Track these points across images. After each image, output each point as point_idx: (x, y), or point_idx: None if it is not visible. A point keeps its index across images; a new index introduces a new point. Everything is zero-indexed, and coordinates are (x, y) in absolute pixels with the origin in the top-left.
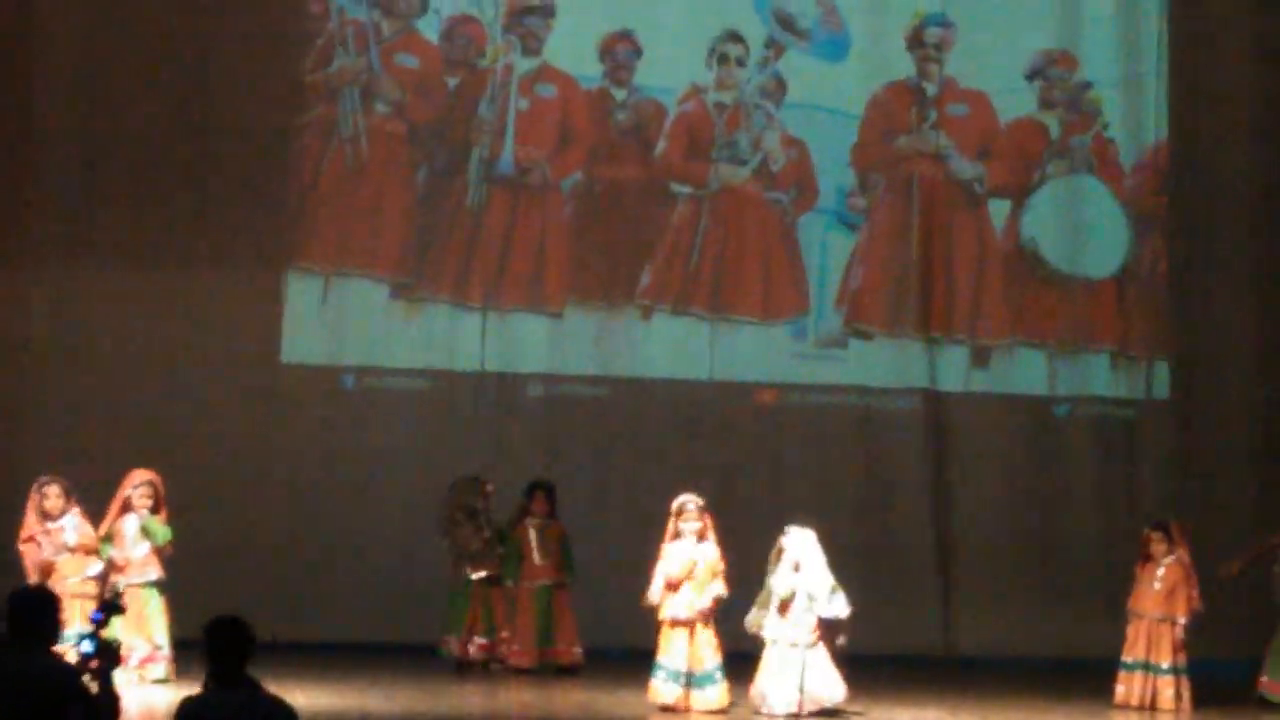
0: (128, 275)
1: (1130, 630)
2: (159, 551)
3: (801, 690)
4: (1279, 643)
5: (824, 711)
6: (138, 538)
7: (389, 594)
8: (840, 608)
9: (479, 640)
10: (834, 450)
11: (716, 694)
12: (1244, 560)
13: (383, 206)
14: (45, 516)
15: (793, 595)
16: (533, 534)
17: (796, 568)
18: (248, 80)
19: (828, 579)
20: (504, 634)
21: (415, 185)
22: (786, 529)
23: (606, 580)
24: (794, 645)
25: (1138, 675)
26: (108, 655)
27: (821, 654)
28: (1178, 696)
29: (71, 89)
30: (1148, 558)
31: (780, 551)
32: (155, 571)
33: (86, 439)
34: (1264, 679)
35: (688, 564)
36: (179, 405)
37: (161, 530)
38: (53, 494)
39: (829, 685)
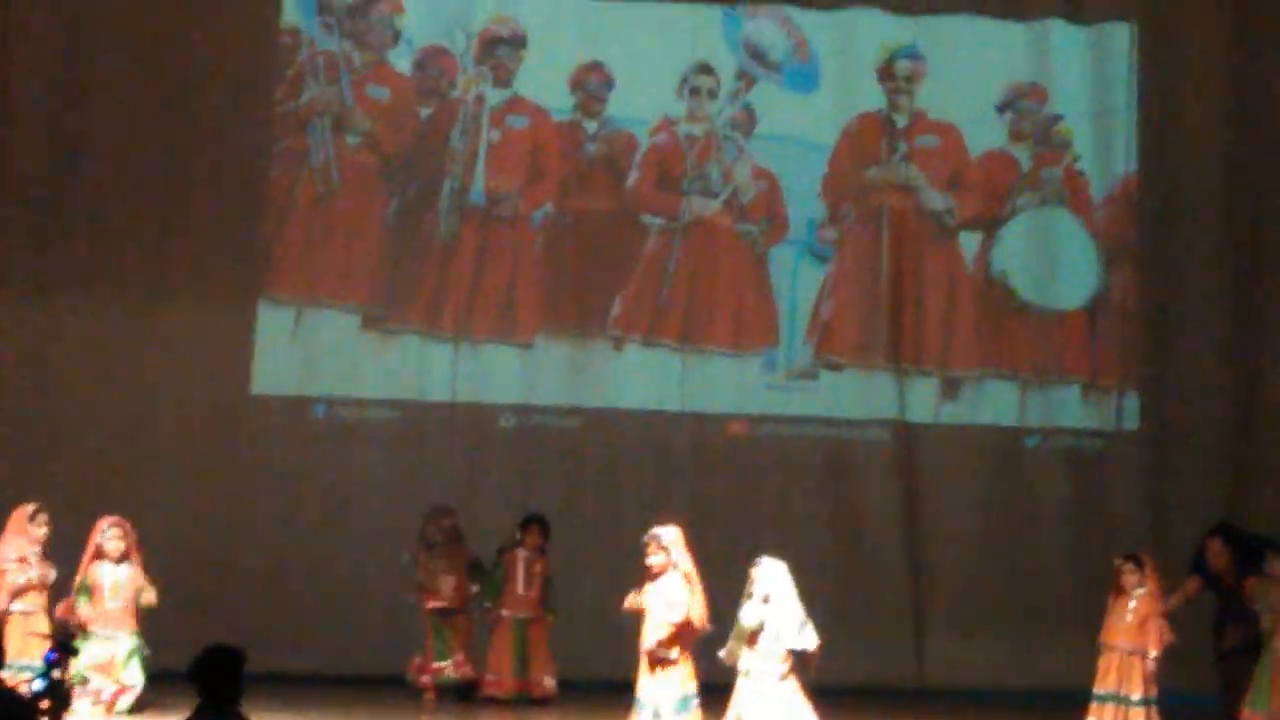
0: (96, 305)
1: (1102, 662)
2: (138, 608)
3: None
4: (1263, 672)
5: None
6: (114, 591)
7: (359, 625)
8: (809, 640)
9: (435, 664)
10: (805, 481)
11: None
12: (1180, 596)
13: (354, 237)
14: (35, 544)
15: (760, 627)
16: (521, 564)
17: (766, 600)
18: (218, 110)
19: (798, 612)
20: (460, 658)
21: (386, 216)
22: (757, 560)
23: (578, 611)
24: (767, 676)
25: (1109, 707)
26: (59, 697)
27: (792, 685)
28: None
29: (41, 117)
30: (1119, 590)
31: (751, 583)
32: (130, 624)
33: (55, 470)
34: (1245, 711)
35: (638, 601)
36: (147, 435)
37: (152, 592)
38: (43, 522)
39: (801, 717)
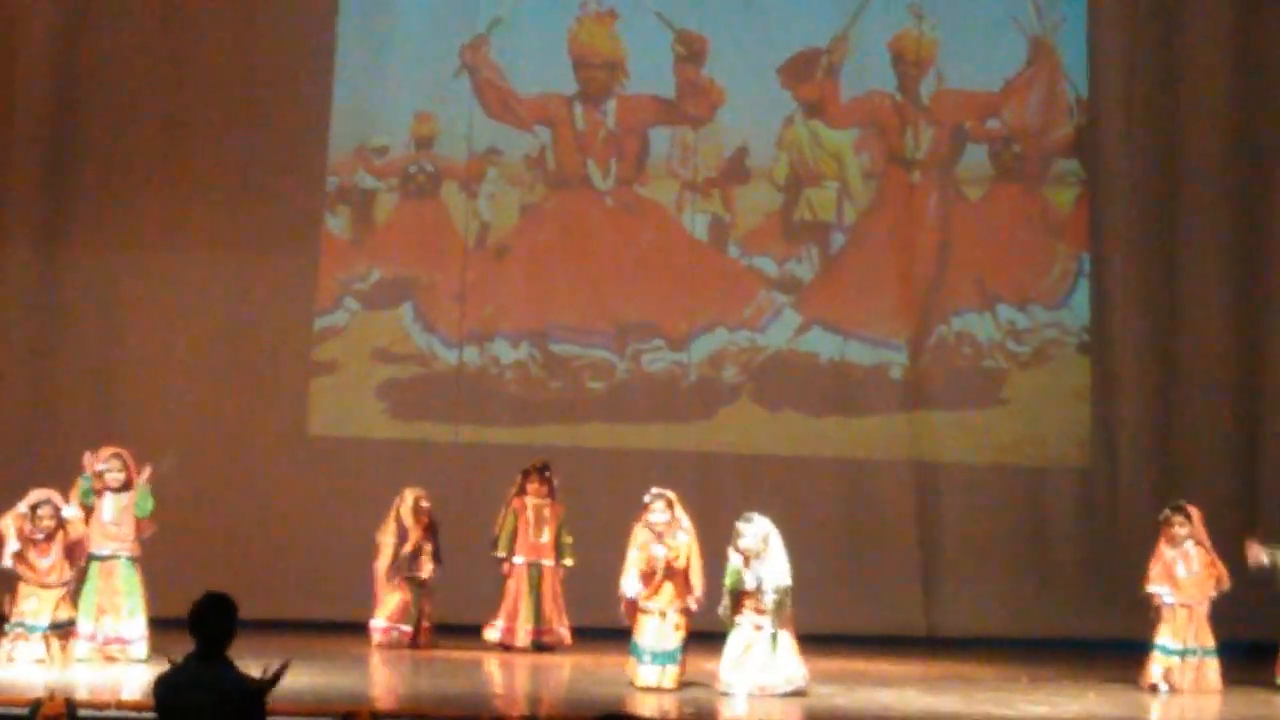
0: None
1: (1165, 615)
2: (139, 525)
3: (766, 671)
4: None
5: (792, 693)
6: (118, 515)
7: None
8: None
9: (403, 628)
10: (814, 426)
11: (673, 673)
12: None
13: None
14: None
15: (740, 581)
16: (530, 511)
17: (748, 559)
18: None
19: (782, 573)
20: (425, 624)
21: None
22: (747, 515)
23: (589, 559)
24: (758, 629)
25: (1177, 660)
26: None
27: (786, 639)
28: (1205, 677)
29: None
30: (1170, 541)
31: (737, 536)
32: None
33: (64, 415)
34: None
35: (650, 558)
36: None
37: (147, 501)
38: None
39: (791, 668)
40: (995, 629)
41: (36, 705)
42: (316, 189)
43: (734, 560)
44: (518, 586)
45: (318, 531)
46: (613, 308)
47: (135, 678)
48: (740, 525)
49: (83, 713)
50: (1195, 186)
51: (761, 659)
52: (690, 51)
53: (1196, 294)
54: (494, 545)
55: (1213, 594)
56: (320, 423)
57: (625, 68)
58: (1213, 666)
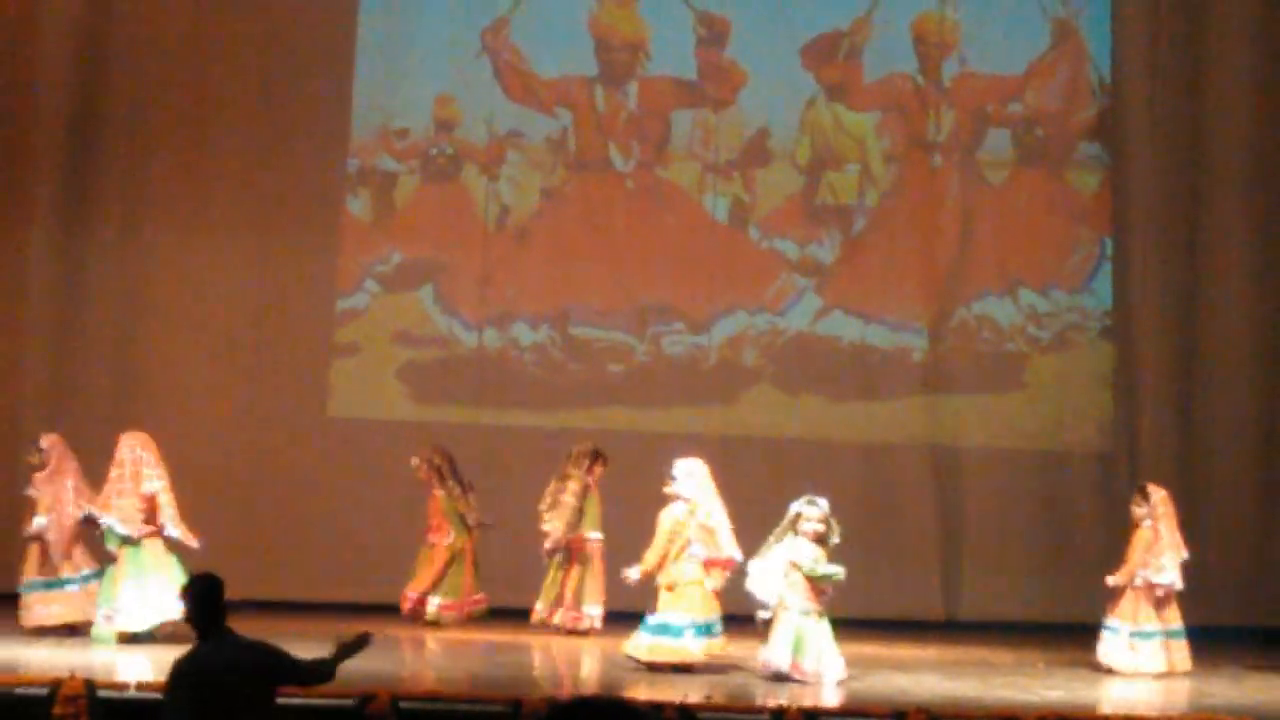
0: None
1: (1120, 594)
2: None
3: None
4: None
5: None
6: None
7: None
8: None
9: (442, 601)
10: (834, 410)
11: (699, 646)
12: None
13: None
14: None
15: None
16: (597, 496)
17: (819, 540)
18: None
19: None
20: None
21: None
22: (812, 498)
23: (609, 543)
24: (805, 614)
25: (1112, 636)
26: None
27: (827, 628)
28: (1173, 658)
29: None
30: (1132, 523)
31: (803, 521)
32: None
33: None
34: None
35: (671, 529)
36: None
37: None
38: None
39: (831, 658)
40: (1014, 614)
41: (56, 685)
42: (338, 171)
43: (809, 549)
44: (599, 566)
45: (338, 514)
46: (633, 290)
47: (155, 659)
48: (808, 509)
49: (102, 694)
50: (1219, 170)
51: (819, 646)
52: (712, 33)
53: (1219, 279)
54: (574, 527)
55: (1150, 576)
56: (341, 405)
57: (647, 50)
58: (1178, 648)
